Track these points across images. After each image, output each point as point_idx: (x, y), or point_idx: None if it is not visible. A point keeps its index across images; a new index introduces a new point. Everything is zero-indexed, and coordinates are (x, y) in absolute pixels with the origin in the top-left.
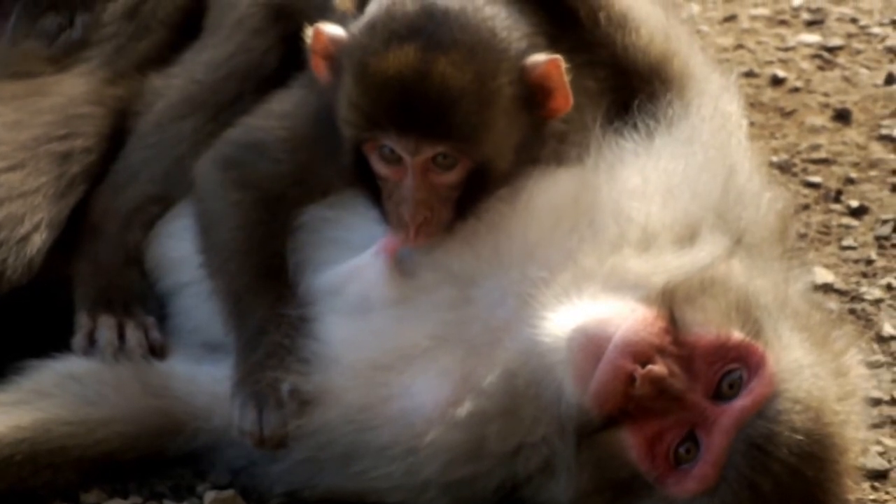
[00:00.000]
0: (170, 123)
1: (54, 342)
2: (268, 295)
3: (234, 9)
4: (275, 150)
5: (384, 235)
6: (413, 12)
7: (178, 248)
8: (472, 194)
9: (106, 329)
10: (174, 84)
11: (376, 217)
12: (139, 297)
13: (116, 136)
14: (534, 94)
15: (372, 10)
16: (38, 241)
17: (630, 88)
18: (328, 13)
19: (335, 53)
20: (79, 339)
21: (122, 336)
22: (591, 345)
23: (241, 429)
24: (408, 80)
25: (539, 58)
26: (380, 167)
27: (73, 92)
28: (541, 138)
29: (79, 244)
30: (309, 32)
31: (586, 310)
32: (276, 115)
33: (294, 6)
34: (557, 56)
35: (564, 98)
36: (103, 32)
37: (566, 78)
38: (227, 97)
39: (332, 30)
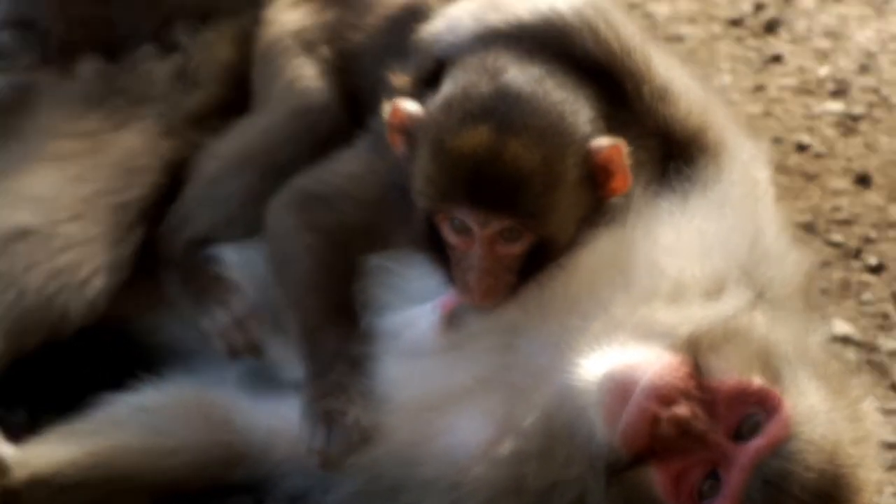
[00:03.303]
0: (224, 179)
1: (128, 377)
2: (338, 330)
3: (283, 71)
4: (343, 206)
5: (439, 289)
6: (487, 94)
7: (245, 279)
8: (533, 264)
9: (225, 328)
10: (231, 145)
11: (431, 272)
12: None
13: (171, 186)
14: (596, 174)
15: (447, 89)
16: (99, 284)
17: (669, 154)
18: (386, 93)
19: (411, 128)
20: (218, 343)
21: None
22: (619, 389)
23: (310, 447)
24: (481, 158)
25: (603, 142)
26: (450, 236)
27: (129, 147)
28: (599, 213)
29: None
30: (387, 108)
31: (616, 356)
32: (345, 175)
33: (349, 91)
34: (620, 141)
35: (624, 179)
36: (154, 91)
37: (627, 161)
38: (282, 159)
39: (410, 106)
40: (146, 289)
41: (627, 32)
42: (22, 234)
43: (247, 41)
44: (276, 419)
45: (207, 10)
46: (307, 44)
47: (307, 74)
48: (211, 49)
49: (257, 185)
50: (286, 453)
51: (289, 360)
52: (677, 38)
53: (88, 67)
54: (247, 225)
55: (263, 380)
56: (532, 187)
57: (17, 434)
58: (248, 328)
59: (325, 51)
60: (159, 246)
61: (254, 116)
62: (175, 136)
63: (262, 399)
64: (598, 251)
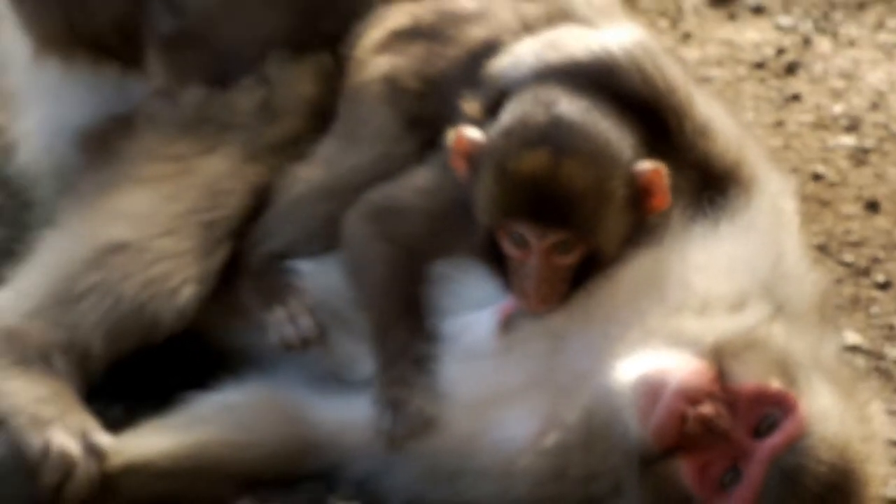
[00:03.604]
0: (307, 204)
1: (213, 378)
2: (406, 330)
3: (373, 117)
4: (412, 219)
5: (497, 297)
6: (544, 123)
7: (315, 289)
8: (583, 274)
9: (285, 321)
10: (318, 173)
11: (490, 281)
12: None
13: (254, 207)
14: (639, 194)
15: (507, 118)
16: (188, 293)
17: (705, 185)
18: (458, 118)
19: (474, 154)
20: (273, 337)
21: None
22: (652, 390)
23: (379, 429)
24: (539, 179)
25: (646, 165)
26: (510, 249)
27: (216, 170)
28: (641, 229)
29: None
30: (451, 135)
31: (650, 361)
32: (415, 190)
33: (430, 115)
34: (661, 165)
35: (663, 199)
36: (240, 120)
37: (667, 183)
38: (362, 192)
39: (472, 133)
40: (230, 298)
41: (672, 73)
42: (118, 247)
43: (328, 78)
44: (343, 414)
45: (299, 48)
46: (394, 85)
47: (393, 127)
48: (294, 84)
49: (337, 211)
50: (352, 444)
51: (355, 359)
52: (706, 80)
53: (191, 96)
54: (323, 244)
55: (331, 379)
56: (584, 204)
57: (115, 428)
58: (301, 325)
59: (410, 82)
60: (241, 258)
61: (343, 151)
62: (258, 162)
63: (331, 396)
64: (637, 267)
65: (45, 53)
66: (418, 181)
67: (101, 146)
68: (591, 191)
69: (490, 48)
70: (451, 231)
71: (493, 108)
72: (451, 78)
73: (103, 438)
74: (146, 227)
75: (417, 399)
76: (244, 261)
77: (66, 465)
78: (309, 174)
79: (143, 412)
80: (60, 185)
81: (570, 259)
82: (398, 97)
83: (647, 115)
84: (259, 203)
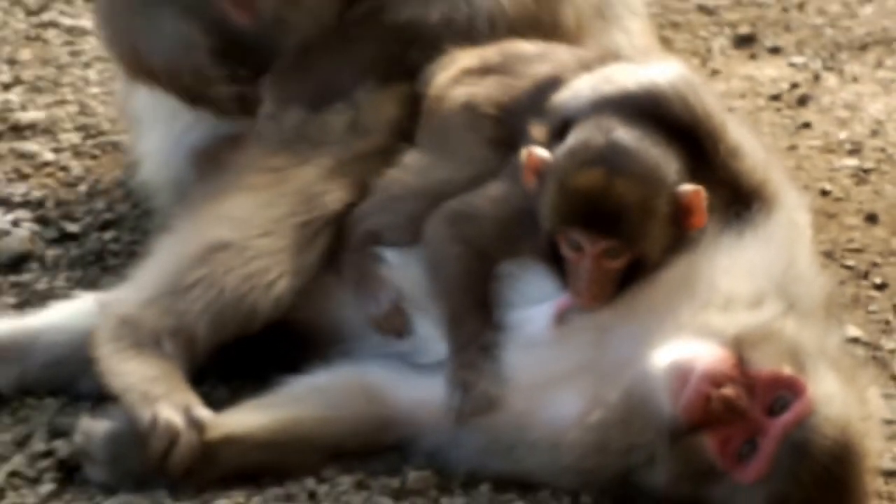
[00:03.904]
0: (399, 201)
1: (304, 362)
2: (476, 319)
3: (460, 142)
4: (486, 224)
5: (554, 294)
6: (602, 146)
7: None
8: (629, 277)
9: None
10: (415, 179)
11: (549, 280)
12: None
13: (343, 211)
14: (680, 212)
15: (571, 141)
16: (283, 285)
17: (734, 199)
18: (528, 140)
19: (541, 170)
20: (365, 317)
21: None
22: (682, 375)
23: (449, 407)
24: (595, 193)
25: (687, 188)
26: (567, 252)
27: (309, 179)
28: (680, 242)
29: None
30: (523, 154)
31: (681, 350)
32: (490, 199)
33: (503, 137)
34: (700, 188)
35: (701, 218)
36: (331, 137)
37: (705, 204)
38: (447, 198)
39: (541, 153)
40: (321, 292)
41: (709, 102)
42: (222, 246)
43: (408, 103)
44: (417, 394)
45: (384, 78)
46: (474, 112)
47: (477, 150)
48: (379, 107)
49: (425, 210)
50: (424, 420)
51: (429, 344)
52: (730, 110)
53: (291, 118)
54: (408, 238)
55: (407, 364)
56: (632, 217)
57: (219, 406)
58: (392, 319)
59: (487, 109)
60: (341, 234)
61: (433, 165)
62: (346, 173)
63: (407, 379)
64: (673, 270)
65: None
66: (491, 192)
67: (211, 162)
68: (639, 206)
69: (554, 82)
70: (517, 236)
71: (557, 133)
72: (521, 106)
73: (204, 413)
74: (247, 229)
75: (483, 382)
76: (344, 236)
77: (171, 436)
78: (404, 178)
79: (245, 393)
80: (176, 195)
81: (617, 263)
82: (478, 122)
83: (687, 138)
84: (347, 208)
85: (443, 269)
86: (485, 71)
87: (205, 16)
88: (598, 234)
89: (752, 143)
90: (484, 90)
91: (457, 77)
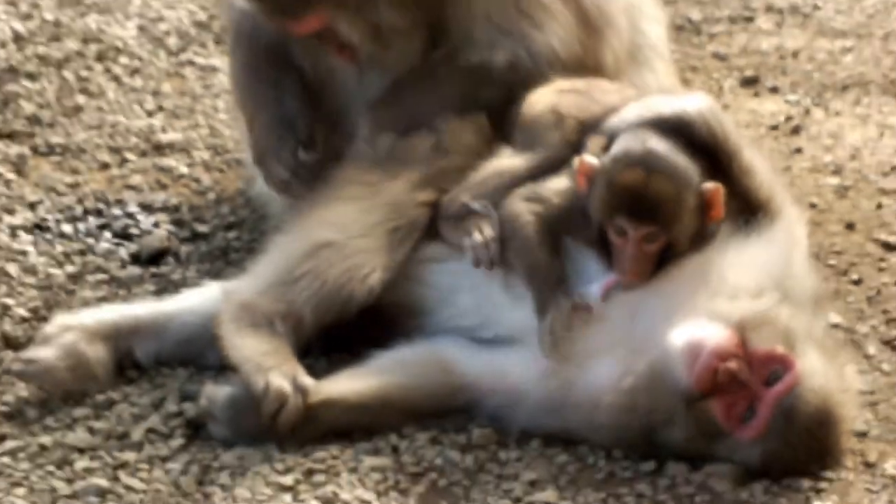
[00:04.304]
0: (491, 181)
1: (390, 340)
2: (550, 266)
3: (546, 136)
4: (551, 206)
5: (604, 274)
6: (641, 151)
7: (456, 270)
8: (664, 259)
9: (477, 244)
10: (503, 167)
11: (594, 264)
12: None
13: (426, 217)
14: (704, 205)
15: (615, 150)
16: (376, 278)
17: (744, 209)
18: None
19: (591, 173)
20: (469, 256)
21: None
22: (695, 351)
23: (541, 342)
24: (636, 188)
25: (709, 185)
26: (613, 237)
27: (398, 192)
28: (702, 231)
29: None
30: (576, 161)
31: (694, 330)
32: (554, 190)
33: (580, 144)
34: (720, 185)
35: (720, 210)
36: (416, 156)
37: (723, 199)
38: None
39: (591, 160)
40: (405, 284)
41: (729, 127)
42: (326, 245)
43: (482, 131)
44: (482, 365)
45: (462, 111)
46: (559, 115)
47: (558, 144)
48: (458, 134)
49: (506, 188)
50: (488, 387)
51: (492, 322)
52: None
53: (384, 140)
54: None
55: (474, 339)
56: (667, 208)
57: (320, 375)
58: (491, 247)
59: (569, 115)
60: (441, 208)
61: (521, 154)
62: (428, 187)
63: (473, 352)
64: (691, 264)
65: None
66: (555, 185)
67: (317, 175)
68: (672, 198)
69: (616, 110)
70: (573, 223)
71: (607, 147)
72: (591, 123)
73: (308, 381)
74: (346, 231)
75: (564, 311)
76: (444, 207)
77: (280, 400)
78: (499, 166)
79: (341, 364)
80: (286, 203)
81: (655, 247)
82: (561, 124)
83: (709, 156)
84: (429, 214)
85: (519, 233)
86: (572, 92)
87: (300, 84)
88: (640, 220)
89: (762, 165)
90: (569, 102)
91: (551, 92)
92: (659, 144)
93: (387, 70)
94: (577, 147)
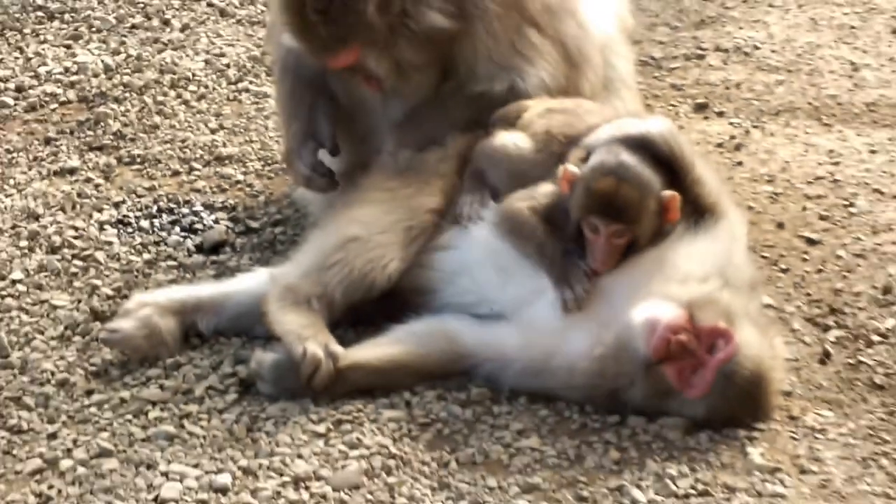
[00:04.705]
0: (497, 158)
1: (405, 316)
2: (555, 245)
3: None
4: (541, 206)
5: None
6: (614, 164)
7: (460, 256)
8: (628, 251)
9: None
10: (507, 165)
11: (575, 251)
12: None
13: (436, 217)
14: (663, 210)
15: (593, 162)
16: (393, 267)
17: (694, 212)
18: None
19: (573, 180)
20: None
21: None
22: (652, 325)
23: (563, 304)
24: (609, 194)
25: (668, 193)
26: (588, 232)
27: (413, 196)
28: (660, 230)
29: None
30: (560, 169)
31: (652, 309)
32: (542, 193)
33: (563, 155)
34: (677, 193)
35: (676, 215)
36: (427, 167)
37: (679, 205)
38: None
39: (573, 168)
40: (418, 272)
41: (684, 145)
42: (353, 239)
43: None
44: (480, 336)
45: (465, 130)
46: (550, 134)
47: (549, 158)
48: (461, 146)
49: (510, 174)
50: (485, 353)
51: (488, 302)
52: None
53: (404, 155)
54: (500, 183)
55: (473, 315)
56: (632, 210)
57: (348, 344)
58: (473, 208)
59: (558, 134)
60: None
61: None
62: (437, 192)
63: (472, 326)
64: (649, 255)
65: None
66: (544, 188)
67: (349, 182)
68: (637, 203)
69: (591, 129)
70: (557, 220)
71: (584, 159)
72: (576, 139)
73: (338, 349)
74: (370, 228)
75: (575, 278)
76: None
77: (315, 363)
78: (504, 157)
79: (365, 335)
80: (324, 203)
81: (621, 241)
82: (552, 142)
83: (668, 168)
84: (436, 216)
85: (523, 224)
86: (561, 112)
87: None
88: (610, 220)
89: (710, 176)
90: (558, 122)
91: (542, 112)
92: (629, 158)
93: (406, 98)
94: (561, 157)
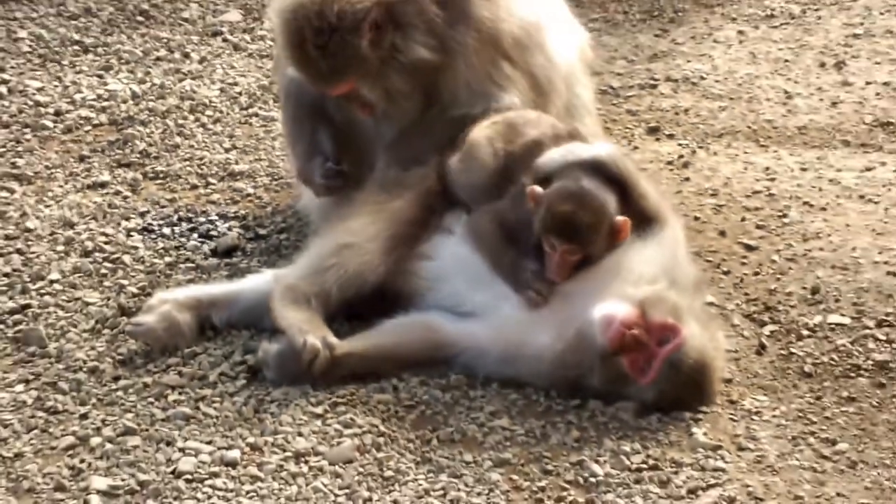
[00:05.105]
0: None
1: (393, 311)
2: (513, 257)
3: (480, 157)
4: (504, 219)
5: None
6: (573, 190)
7: (439, 265)
8: (582, 265)
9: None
10: (454, 174)
11: (535, 261)
12: None
13: (417, 228)
14: (614, 232)
15: (555, 186)
16: (381, 270)
17: (640, 221)
18: (521, 170)
19: (538, 198)
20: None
21: None
22: (608, 321)
23: (526, 300)
24: (567, 218)
25: (620, 218)
26: (546, 247)
27: (398, 209)
28: (611, 248)
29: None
30: (529, 188)
31: (608, 307)
32: (503, 208)
33: (504, 166)
34: (627, 219)
35: (626, 236)
36: (411, 182)
37: (629, 228)
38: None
39: (538, 189)
40: (402, 274)
41: (629, 166)
42: (346, 245)
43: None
44: (458, 330)
45: (440, 150)
46: (492, 142)
47: (489, 164)
48: (439, 163)
49: (472, 198)
50: (463, 345)
51: (466, 301)
52: (644, 170)
53: (392, 172)
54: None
55: (453, 312)
56: (587, 233)
57: (343, 336)
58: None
59: (499, 144)
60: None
61: (462, 172)
62: (418, 205)
63: (452, 320)
64: (606, 261)
65: None
66: (503, 205)
67: (343, 196)
68: (591, 228)
69: (538, 144)
70: (522, 230)
71: (540, 181)
72: (518, 152)
73: (334, 339)
74: (360, 236)
75: (535, 285)
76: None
77: (314, 353)
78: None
79: (358, 328)
80: (322, 213)
81: (575, 258)
82: (494, 150)
83: (617, 186)
84: (415, 231)
85: (485, 237)
86: (504, 124)
87: (331, 129)
88: (565, 241)
89: (652, 189)
90: (499, 132)
91: (488, 125)
92: (588, 185)
93: (396, 121)
94: (504, 169)
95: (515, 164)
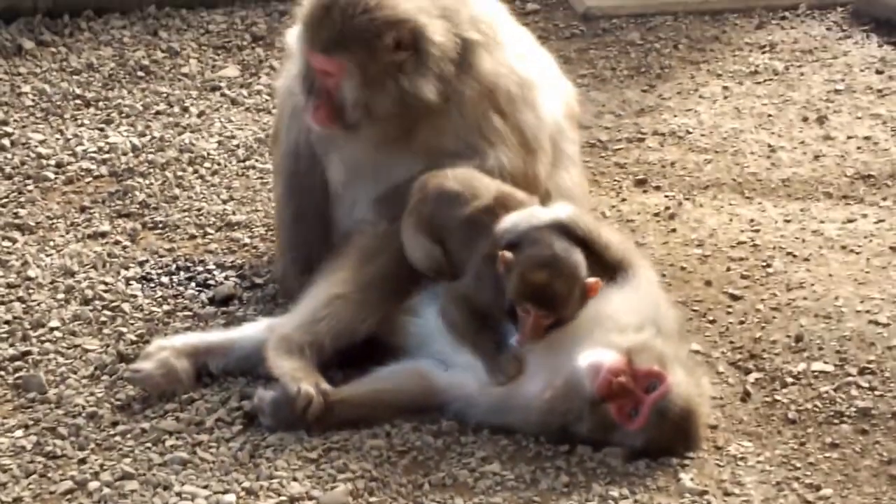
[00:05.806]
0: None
1: (386, 360)
2: (486, 338)
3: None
4: (473, 294)
5: (516, 335)
6: (546, 256)
7: (425, 324)
8: (555, 326)
9: None
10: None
11: (509, 326)
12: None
13: (400, 285)
14: (586, 292)
15: (527, 251)
16: (371, 321)
17: (611, 269)
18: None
19: (509, 264)
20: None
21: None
22: (596, 369)
23: (493, 381)
24: (540, 285)
25: (591, 280)
26: (520, 311)
27: (385, 263)
28: (582, 306)
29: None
30: (500, 254)
31: (595, 355)
32: (465, 287)
33: (438, 226)
34: (598, 279)
35: (597, 291)
36: (397, 239)
37: (600, 287)
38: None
39: (508, 255)
40: (392, 324)
41: (589, 222)
42: (338, 297)
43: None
44: (450, 379)
45: None
46: (431, 223)
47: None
48: None
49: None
50: (454, 393)
51: (455, 356)
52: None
53: (381, 226)
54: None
55: (444, 362)
56: (559, 300)
57: (336, 384)
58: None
59: (427, 236)
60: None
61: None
62: (398, 261)
63: (444, 370)
64: (588, 311)
65: None
66: (468, 282)
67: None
68: (564, 295)
69: (502, 202)
70: (491, 301)
71: (507, 246)
72: (485, 214)
73: (327, 386)
74: (350, 288)
75: (504, 365)
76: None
77: (308, 399)
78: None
79: (352, 376)
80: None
81: (548, 321)
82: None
83: (581, 242)
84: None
85: (454, 323)
86: (455, 181)
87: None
88: (538, 308)
89: (616, 238)
90: (421, 221)
91: (411, 208)
92: (561, 250)
93: (357, 139)
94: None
95: (471, 230)
